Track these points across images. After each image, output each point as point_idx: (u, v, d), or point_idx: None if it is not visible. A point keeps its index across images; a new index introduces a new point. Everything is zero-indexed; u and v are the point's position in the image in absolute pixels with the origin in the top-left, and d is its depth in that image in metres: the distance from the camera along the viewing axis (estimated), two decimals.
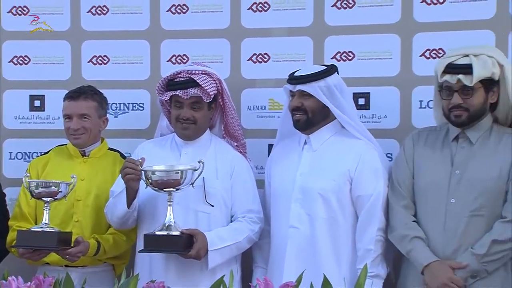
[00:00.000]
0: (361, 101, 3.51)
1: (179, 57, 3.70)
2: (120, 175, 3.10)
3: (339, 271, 3.03)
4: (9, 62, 3.80)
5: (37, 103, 3.78)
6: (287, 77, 3.20)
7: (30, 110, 3.78)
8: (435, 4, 3.41)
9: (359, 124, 3.24)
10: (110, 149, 3.45)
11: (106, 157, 3.40)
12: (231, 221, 3.21)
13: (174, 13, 3.70)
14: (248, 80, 3.66)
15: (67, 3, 3.75)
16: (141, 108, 3.71)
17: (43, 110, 3.78)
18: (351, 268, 3.08)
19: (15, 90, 3.79)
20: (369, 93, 3.51)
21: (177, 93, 3.13)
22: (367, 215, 3.09)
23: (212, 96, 3.16)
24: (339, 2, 3.52)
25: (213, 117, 3.31)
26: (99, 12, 3.77)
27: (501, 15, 3.32)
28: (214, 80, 3.18)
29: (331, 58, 3.53)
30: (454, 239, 2.97)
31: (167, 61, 3.70)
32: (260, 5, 3.62)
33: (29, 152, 3.76)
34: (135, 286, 2.39)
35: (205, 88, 3.12)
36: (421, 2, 3.43)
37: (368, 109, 3.51)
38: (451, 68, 2.94)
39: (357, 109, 3.40)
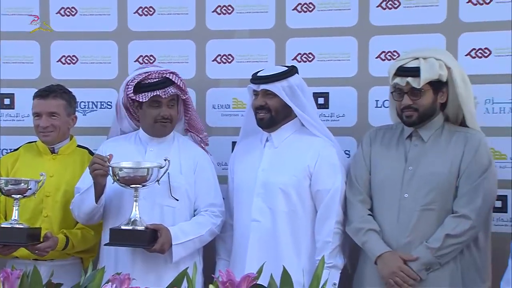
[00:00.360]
0: (321, 100, 3.53)
1: (146, 58, 3.70)
2: (86, 171, 3.09)
3: (298, 262, 3.05)
4: None
5: (7, 101, 3.75)
6: (250, 77, 3.21)
7: (0, 108, 3.75)
8: (390, 8, 3.45)
9: (318, 123, 3.26)
10: (78, 146, 3.43)
11: (75, 154, 3.38)
12: (194, 215, 3.21)
13: (141, 15, 3.69)
14: (213, 80, 3.66)
15: (36, 4, 3.71)
16: (109, 107, 3.68)
17: (13, 108, 3.74)
18: (310, 259, 3.11)
19: None
20: (328, 93, 3.54)
21: (158, 93, 3.11)
22: (325, 209, 3.12)
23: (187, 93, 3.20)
24: (300, 6, 3.53)
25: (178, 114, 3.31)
26: (68, 13, 3.74)
27: (451, 19, 3.37)
28: (180, 78, 3.18)
29: (292, 59, 3.55)
30: (407, 232, 3.00)
31: (135, 61, 3.69)
32: (224, 8, 3.62)
33: None
34: (101, 278, 2.40)
35: (180, 85, 3.16)
36: (377, 6, 3.46)
37: (327, 108, 3.54)
38: (401, 71, 2.98)
39: (317, 108, 3.41)
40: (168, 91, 3.13)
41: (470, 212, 2.93)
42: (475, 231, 2.96)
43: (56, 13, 3.73)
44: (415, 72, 2.94)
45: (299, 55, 3.56)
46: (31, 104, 3.34)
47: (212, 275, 2.33)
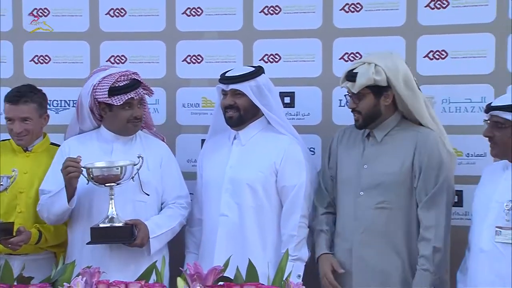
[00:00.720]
0: (287, 99, 3.54)
1: (118, 58, 3.69)
2: (49, 173, 3.12)
3: (265, 255, 3.07)
4: None
5: None
6: (219, 77, 3.21)
7: None
8: (353, 12, 3.48)
9: (284, 121, 3.28)
10: (51, 143, 3.40)
11: (48, 152, 3.35)
12: (161, 208, 3.22)
13: (112, 16, 3.68)
14: (183, 79, 3.67)
15: (9, 5, 3.67)
16: None
17: None
18: (276, 252, 3.13)
19: None
20: (294, 92, 3.56)
21: (131, 95, 3.09)
22: (291, 204, 3.15)
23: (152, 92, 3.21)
24: (267, 8, 3.54)
25: None
26: (41, 14, 3.71)
27: (410, 23, 3.41)
28: (141, 78, 3.18)
29: (259, 60, 3.56)
30: (361, 229, 3.04)
31: (106, 61, 3.67)
32: (194, 10, 3.62)
33: None
34: (71, 272, 2.41)
35: (146, 86, 3.16)
36: (340, 9, 3.49)
37: (293, 107, 3.56)
38: (346, 76, 3.03)
39: (283, 107, 3.42)
40: (139, 93, 3.13)
41: (439, 219, 2.96)
42: (448, 236, 3.00)
43: (29, 14, 3.69)
44: (354, 77, 2.98)
45: (266, 56, 3.57)
46: (3, 103, 3.30)
47: (180, 268, 2.35)
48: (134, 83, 3.13)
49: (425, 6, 3.40)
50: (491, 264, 2.77)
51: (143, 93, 3.15)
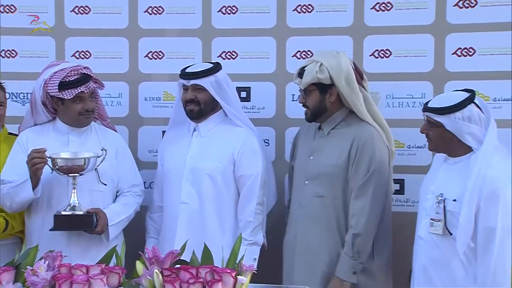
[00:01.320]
0: (243, 94, 3.56)
1: (82, 53, 3.66)
2: (8, 162, 3.10)
3: (223, 240, 3.07)
4: None
5: None
6: (180, 73, 3.22)
7: None
8: (305, 12, 3.50)
9: (241, 114, 3.31)
10: (10, 133, 3.35)
11: (6, 141, 3.29)
12: (116, 195, 3.22)
13: (77, 13, 3.65)
14: (145, 74, 3.66)
15: None
16: None
17: None
18: (234, 237, 3.13)
19: None
20: (249, 87, 3.58)
21: (82, 89, 3.05)
22: (247, 192, 3.18)
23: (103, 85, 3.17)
24: (224, 8, 3.55)
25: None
26: (7, 10, 3.67)
27: (358, 23, 3.46)
28: (91, 71, 3.15)
29: (217, 57, 3.57)
30: (304, 216, 3.09)
31: (71, 56, 3.65)
32: (155, 8, 3.61)
33: None
34: (34, 256, 2.39)
35: (97, 79, 3.12)
36: (293, 10, 3.51)
37: (249, 101, 3.58)
38: (298, 73, 3.08)
39: (240, 101, 3.44)
40: (90, 86, 3.09)
41: (363, 208, 2.99)
42: (372, 223, 3.01)
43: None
44: (302, 74, 3.04)
45: (224, 53, 3.58)
46: None
47: (140, 252, 2.35)
48: (85, 78, 3.08)
49: (371, 8, 3.44)
50: (426, 250, 2.83)
51: (94, 86, 3.12)
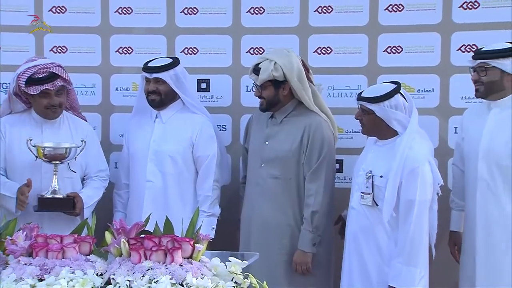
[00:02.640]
0: (203, 85, 3.56)
1: (59, 48, 3.61)
2: None
3: (184, 213, 3.07)
4: None
5: None
6: (142, 66, 3.21)
7: None
8: (257, 14, 3.51)
9: (198, 103, 3.33)
10: None
11: None
12: (84, 179, 3.19)
13: (55, 13, 3.60)
14: (116, 67, 3.63)
15: None
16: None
17: None
18: (193, 210, 3.05)
19: None
20: (209, 79, 3.57)
21: (47, 87, 2.97)
22: (205, 171, 3.20)
23: (71, 83, 3.11)
24: (186, 9, 3.54)
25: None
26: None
27: (303, 23, 3.47)
28: (64, 71, 3.08)
29: (180, 52, 3.55)
30: (261, 193, 3.13)
31: (49, 50, 3.60)
32: (125, 9, 3.58)
33: None
34: (13, 227, 2.37)
35: (65, 78, 3.05)
36: (247, 12, 3.52)
37: (209, 91, 3.57)
38: (253, 69, 3.10)
39: (199, 91, 3.47)
40: (56, 84, 3.00)
41: (318, 188, 3.03)
42: (326, 201, 3.07)
43: None
44: (258, 71, 3.05)
45: (186, 49, 3.57)
46: None
47: (108, 223, 2.34)
48: (51, 76, 2.99)
49: (314, 11, 3.46)
50: (357, 219, 2.91)
51: (61, 84, 3.02)
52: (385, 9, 3.41)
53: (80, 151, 3.03)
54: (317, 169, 3.05)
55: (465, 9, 3.33)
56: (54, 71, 3.02)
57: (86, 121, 3.32)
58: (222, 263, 2.19)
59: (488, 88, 2.75)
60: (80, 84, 3.54)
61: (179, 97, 3.23)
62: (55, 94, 3.04)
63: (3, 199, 3.01)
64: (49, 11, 3.61)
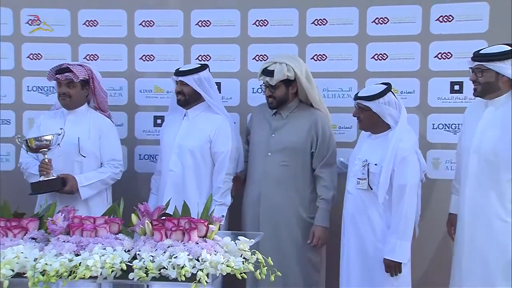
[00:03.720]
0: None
1: (92, 56, 3.60)
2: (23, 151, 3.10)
3: (200, 200, 3.01)
4: None
5: None
6: (173, 71, 3.22)
7: None
8: (261, 26, 3.49)
9: (220, 104, 3.30)
10: None
11: None
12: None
13: (88, 26, 3.59)
14: (140, 72, 3.61)
15: None
16: None
17: None
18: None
19: None
20: (220, 82, 3.50)
21: (58, 76, 3.06)
22: (220, 165, 3.18)
23: (80, 78, 3.08)
24: (200, 22, 3.51)
25: (88, 96, 3.21)
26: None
27: (301, 34, 3.46)
28: (85, 69, 3.12)
29: (195, 59, 3.52)
30: (269, 179, 3.11)
31: (83, 58, 3.58)
32: (147, 22, 3.55)
33: None
34: (54, 210, 2.40)
35: (75, 72, 3.06)
36: (253, 24, 3.50)
37: (220, 93, 3.48)
38: (263, 72, 3.07)
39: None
40: (64, 75, 3.06)
41: (332, 176, 3.08)
42: (336, 184, 3.11)
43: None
44: (271, 73, 3.04)
45: (200, 56, 3.55)
46: None
47: (134, 207, 2.35)
48: (64, 69, 3.07)
49: (311, 23, 3.44)
50: (354, 202, 2.93)
51: (68, 76, 3.06)
52: (372, 22, 3.41)
53: (62, 138, 3.00)
54: (328, 159, 3.10)
55: (441, 22, 3.32)
56: (69, 67, 3.07)
57: (112, 121, 3.32)
58: (232, 241, 2.20)
59: (485, 88, 2.64)
60: (109, 87, 3.52)
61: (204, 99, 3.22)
62: (65, 85, 3.08)
63: (33, 178, 3.04)
64: (83, 24, 3.60)
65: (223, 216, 3.09)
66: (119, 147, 3.27)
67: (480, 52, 2.65)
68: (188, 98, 3.18)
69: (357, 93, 2.91)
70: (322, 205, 3.07)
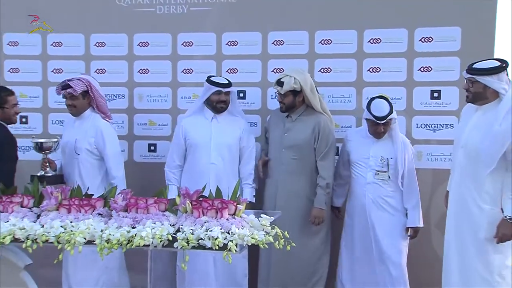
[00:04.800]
0: (242, 94, 3.47)
1: (144, 70, 3.57)
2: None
3: (234, 185, 2.98)
4: None
5: None
6: (215, 81, 3.10)
7: None
8: (278, 45, 3.44)
9: (239, 109, 3.27)
10: None
11: None
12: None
13: (141, 47, 3.57)
14: (181, 82, 3.56)
15: None
16: None
17: None
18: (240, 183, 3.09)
19: None
20: (245, 90, 3.48)
21: (62, 92, 3.04)
22: (249, 156, 3.16)
23: (79, 92, 3.01)
24: (229, 42, 3.47)
25: (91, 102, 3.10)
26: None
27: (311, 51, 3.40)
28: (83, 82, 3.03)
29: (225, 72, 3.46)
30: (284, 169, 3.08)
31: (137, 72, 3.57)
32: (188, 43, 3.52)
33: None
34: (114, 192, 2.43)
35: (74, 87, 3.00)
36: (271, 43, 3.43)
37: (245, 99, 3.49)
38: (277, 82, 3.06)
39: (239, 99, 3.39)
40: (67, 91, 3.03)
41: (328, 166, 3.03)
42: (332, 174, 3.08)
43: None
44: (282, 84, 3.02)
45: (229, 69, 3.49)
46: None
47: (178, 191, 2.40)
48: (65, 86, 3.02)
49: (318, 43, 3.38)
50: (374, 189, 2.96)
51: (68, 91, 3.01)
52: (368, 42, 3.36)
53: (57, 144, 3.02)
54: (327, 152, 3.05)
55: (423, 42, 3.28)
56: (69, 83, 3.01)
57: (109, 120, 3.18)
58: (256, 218, 2.21)
59: (475, 97, 2.54)
60: (158, 94, 3.53)
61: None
62: (69, 98, 3.04)
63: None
64: (137, 45, 3.58)
65: (254, 196, 3.13)
66: (116, 153, 3.09)
67: (473, 66, 2.55)
68: (227, 106, 3.13)
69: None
70: (318, 190, 3.03)
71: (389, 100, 2.93)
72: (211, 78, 3.16)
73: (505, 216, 2.43)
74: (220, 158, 3.09)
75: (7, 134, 3.07)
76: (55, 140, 3.02)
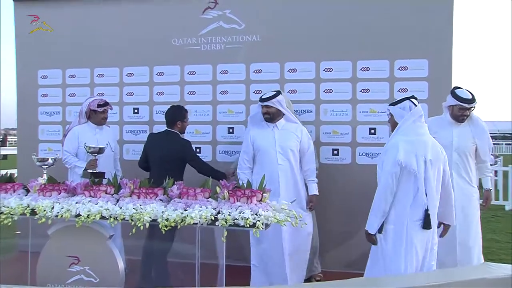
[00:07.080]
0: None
1: (192, 93, 3.54)
2: (68, 142, 3.08)
3: (294, 180, 2.86)
4: None
5: None
6: (260, 98, 2.92)
7: None
8: (292, 72, 3.36)
9: (293, 116, 2.95)
10: None
11: None
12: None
13: (158, 75, 3.55)
14: (219, 101, 3.50)
15: None
16: None
17: None
18: (300, 180, 2.86)
19: None
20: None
21: (105, 108, 3.12)
22: (310, 156, 2.89)
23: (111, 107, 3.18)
24: (256, 70, 3.40)
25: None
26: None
27: (317, 77, 3.33)
28: (107, 102, 3.17)
29: (252, 92, 3.42)
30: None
31: (187, 94, 3.57)
32: (224, 71, 3.49)
33: None
34: (172, 183, 2.38)
35: (110, 106, 3.17)
36: (287, 71, 3.37)
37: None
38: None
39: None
40: (107, 107, 3.14)
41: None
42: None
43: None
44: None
45: (255, 91, 3.43)
46: None
47: (220, 180, 2.33)
48: (106, 103, 3.13)
49: (323, 70, 3.30)
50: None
51: (107, 107, 3.14)
52: (360, 69, 3.31)
53: (105, 148, 2.89)
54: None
55: (401, 70, 3.24)
56: (106, 101, 3.15)
57: (109, 126, 3.28)
58: (277, 203, 2.19)
59: (467, 118, 2.76)
60: (202, 110, 3.51)
61: (283, 114, 2.92)
62: (107, 112, 3.15)
63: (77, 168, 3.00)
64: (187, 73, 3.55)
65: (316, 189, 2.87)
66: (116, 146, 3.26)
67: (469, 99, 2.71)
68: (272, 116, 2.86)
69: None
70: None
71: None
72: (263, 95, 2.96)
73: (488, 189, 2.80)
74: (286, 160, 2.82)
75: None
76: (102, 146, 2.95)
